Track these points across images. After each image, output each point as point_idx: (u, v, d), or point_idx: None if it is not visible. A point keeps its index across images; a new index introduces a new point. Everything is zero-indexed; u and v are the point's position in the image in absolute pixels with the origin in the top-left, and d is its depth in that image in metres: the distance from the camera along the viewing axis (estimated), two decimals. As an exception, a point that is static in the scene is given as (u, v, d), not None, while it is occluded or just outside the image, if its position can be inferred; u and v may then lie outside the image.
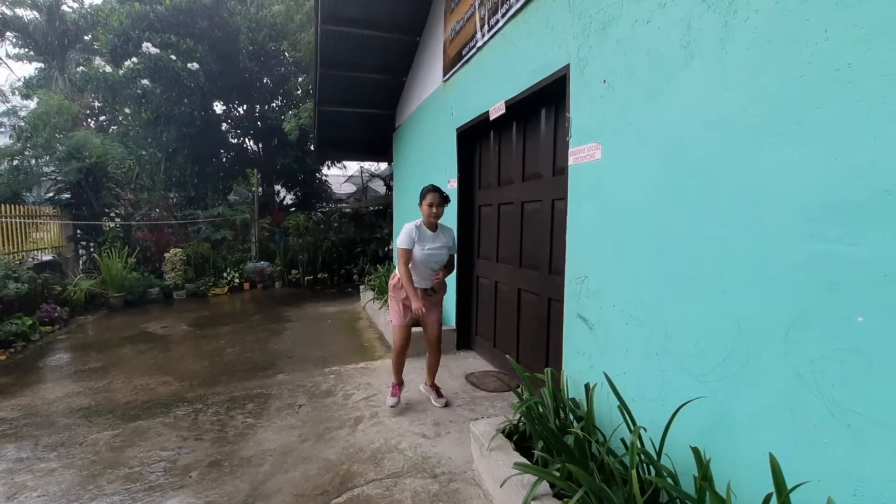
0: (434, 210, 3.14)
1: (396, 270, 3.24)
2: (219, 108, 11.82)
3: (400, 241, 3.15)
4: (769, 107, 1.51)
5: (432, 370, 3.49)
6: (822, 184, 1.36)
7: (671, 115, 1.91)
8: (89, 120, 11.74)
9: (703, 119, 1.76)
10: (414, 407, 3.38)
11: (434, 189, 3.17)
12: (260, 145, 12.42)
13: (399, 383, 3.40)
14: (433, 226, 3.23)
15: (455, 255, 3.44)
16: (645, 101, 2.05)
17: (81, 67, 10.16)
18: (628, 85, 2.16)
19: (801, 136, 1.42)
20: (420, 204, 3.20)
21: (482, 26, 3.81)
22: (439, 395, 3.45)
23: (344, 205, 14.61)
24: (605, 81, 2.32)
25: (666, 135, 1.94)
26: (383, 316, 5.38)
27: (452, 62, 4.54)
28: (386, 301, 5.53)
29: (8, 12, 11.34)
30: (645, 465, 1.78)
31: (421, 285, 3.25)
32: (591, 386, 2.19)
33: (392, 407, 3.29)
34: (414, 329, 3.43)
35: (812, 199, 1.39)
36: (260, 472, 2.59)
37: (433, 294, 3.34)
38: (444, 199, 3.18)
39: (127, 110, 10.26)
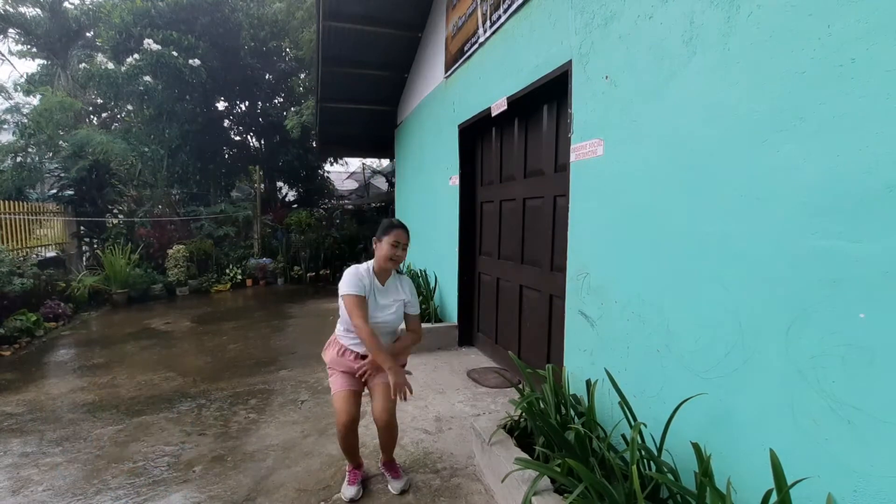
0: (398, 252, 2.26)
1: (335, 334, 2.44)
2: (221, 104, 11.81)
3: (345, 286, 2.20)
4: (771, 103, 1.50)
5: (384, 448, 2.39)
6: (824, 180, 1.36)
7: (673, 111, 1.91)
8: (92, 117, 11.75)
9: (705, 115, 1.76)
10: (416, 402, 3.39)
11: (401, 225, 2.31)
12: (262, 142, 12.42)
13: (357, 466, 2.41)
14: (385, 273, 2.35)
15: (418, 316, 2.47)
16: (647, 97, 2.05)
17: (84, 64, 10.19)
18: (630, 81, 2.15)
19: (803, 132, 1.41)
20: (379, 240, 2.29)
21: (484, 22, 3.80)
22: (396, 474, 2.41)
23: (346, 201, 14.61)
24: (607, 77, 2.32)
25: (668, 131, 1.93)
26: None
27: (454, 58, 4.53)
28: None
29: (10, 9, 11.34)
30: (645, 460, 1.78)
31: (357, 348, 2.32)
32: (593, 382, 2.20)
33: (350, 500, 2.27)
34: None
35: (814, 195, 1.38)
36: (263, 466, 2.61)
37: (371, 371, 2.27)
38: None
39: (129, 107, 10.28)
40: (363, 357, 2.30)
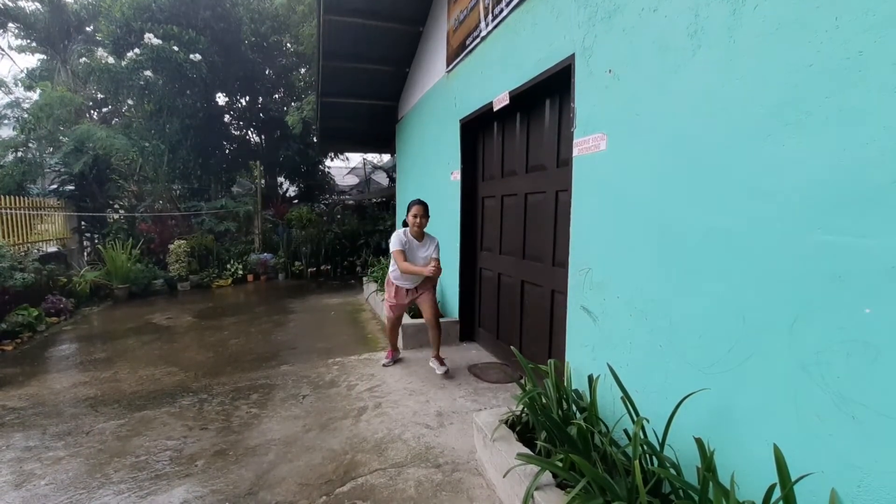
0: (418, 220, 3.64)
1: (389, 274, 3.94)
2: (221, 99, 11.78)
3: (392, 245, 3.68)
4: (777, 97, 1.49)
5: (435, 344, 3.91)
6: (829, 174, 1.35)
7: (677, 106, 1.89)
8: (92, 112, 11.72)
9: (710, 109, 1.74)
10: (417, 397, 3.39)
11: (418, 202, 3.69)
12: (262, 137, 12.40)
13: (394, 349, 4.16)
14: (419, 235, 3.73)
15: (437, 258, 3.77)
16: (651, 91, 2.03)
17: (84, 59, 10.13)
18: (634, 75, 2.14)
19: (809, 127, 1.40)
20: (407, 215, 3.71)
21: (486, 16, 3.77)
22: (441, 363, 3.84)
23: (347, 197, 14.60)
24: (610, 71, 2.30)
25: (672, 125, 1.92)
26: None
27: (456, 52, 4.51)
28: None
29: (10, 3, 11.29)
30: (648, 455, 1.78)
31: (406, 285, 3.84)
32: (595, 377, 2.20)
33: (384, 365, 4.01)
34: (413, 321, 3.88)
35: (819, 189, 1.37)
36: (265, 461, 2.61)
37: (416, 292, 3.88)
38: (428, 210, 3.74)
39: (130, 102, 10.23)
40: (409, 290, 3.85)
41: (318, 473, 2.48)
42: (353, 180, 16.91)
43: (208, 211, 9.81)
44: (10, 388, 3.77)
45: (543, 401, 2.23)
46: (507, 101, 3.44)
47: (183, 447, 2.78)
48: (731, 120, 1.65)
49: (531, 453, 2.02)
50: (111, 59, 9.01)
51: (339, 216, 11.79)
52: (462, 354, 4.37)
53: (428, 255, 3.71)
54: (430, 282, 3.86)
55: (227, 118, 12.04)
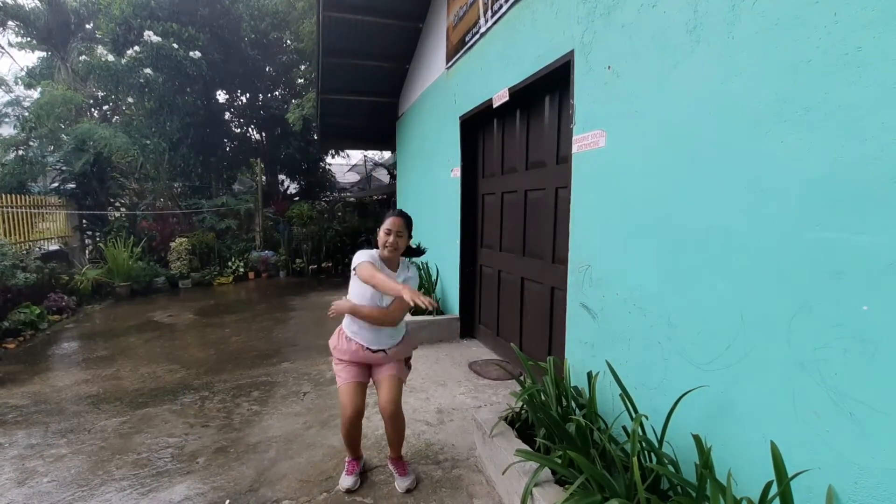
0: (391, 239, 2.25)
1: (341, 326, 2.40)
2: (222, 97, 11.78)
3: (358, 258, 2.20)
4: (776, 93, 1.48)
5: (392, 442, 2.38)
6: (828, 171, 1.34)
7: (676, 102, 1.88)
8: (92, 109, 11.73)
9: (708, 106, 1.74)
10: (417, 394, 3.40)
11: (397, 213, 2.33)
12: (263, 134, 12.40)
13: (356, 458, 2.44)
14: (392, 260, 2.33)
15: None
16: (650, 87, 2.02)
17: (84, 57, 10.14)
18: (633, 71, 2.13)
19: (808, 123, 1.39)
20: (379, 229, 2.31)
21: (485, 12, 3.76)
22: (402, 471, 2.38)
23: (347, 194, 14.60)
24: (609, 68, 2.29)
25: (671, 122, 1.91)
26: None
27: (455, 49, 4.50)
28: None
29: (9, 0, 11.27)
30: (646, 452, 1.79)
31: (366, 341, 2.28)
32: (594, 374, 2.20)
33: (347, 490, 2.31)
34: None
35: (818, 186, 1.37)
36: (266, 458, 2.63)
37: (377, 358, 2.31)
38: (410, 227, 2.35)
39: (130, 99, 10.24)
40: (369, 349, 2.28)
41: (319, 470, 2.49)
42: (353, 177, 16.94)
43: (209, 209, 9.83)
44: (13, 386, 3.79)
45: (543, 398, 2.23)
46: (507, 98, 3.43)
47: (184, 444, 2.79)
48: (730, 116, 1.65)
49: (530, 450, 2.02)
50: (111, 57, 9.01)
51: (339, 213, 11.81)
52: (462, 351, 4.38)
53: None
54: (403, 347, 2.40)
55: (227, 115, 12.04)
